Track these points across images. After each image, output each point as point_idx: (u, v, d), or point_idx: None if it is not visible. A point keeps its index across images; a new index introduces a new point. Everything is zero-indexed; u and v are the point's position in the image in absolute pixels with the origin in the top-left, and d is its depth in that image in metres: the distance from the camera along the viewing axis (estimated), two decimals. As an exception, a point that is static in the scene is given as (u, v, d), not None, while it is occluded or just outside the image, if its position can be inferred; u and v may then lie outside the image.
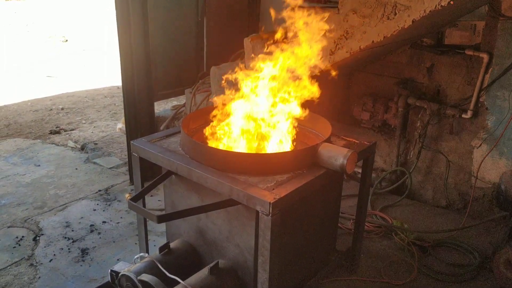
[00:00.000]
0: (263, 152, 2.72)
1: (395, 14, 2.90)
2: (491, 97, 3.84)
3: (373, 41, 3.09)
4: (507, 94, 3.74)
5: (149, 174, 3.99)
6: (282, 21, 2.71)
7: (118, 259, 3.47)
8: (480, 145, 3.97)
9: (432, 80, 4.19)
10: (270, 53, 2.72)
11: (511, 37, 3.62)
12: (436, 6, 2.71)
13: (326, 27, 2.63)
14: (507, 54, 3.67)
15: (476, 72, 3.87)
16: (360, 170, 3.03)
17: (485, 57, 3.75)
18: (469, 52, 3.84)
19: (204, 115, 3.00)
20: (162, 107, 6.57)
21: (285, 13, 2.66)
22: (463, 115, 3.95)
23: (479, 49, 3.82)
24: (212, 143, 2.73)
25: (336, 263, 3.18)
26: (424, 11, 2.77)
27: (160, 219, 2.34)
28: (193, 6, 5.06)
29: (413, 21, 2.85)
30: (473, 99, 3.89)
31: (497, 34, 3.69)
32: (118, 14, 4.21)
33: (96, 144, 5.93)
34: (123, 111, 5.78)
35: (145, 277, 2.41)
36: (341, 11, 3.18)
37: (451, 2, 2.64)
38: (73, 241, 3.73)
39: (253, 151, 2.71)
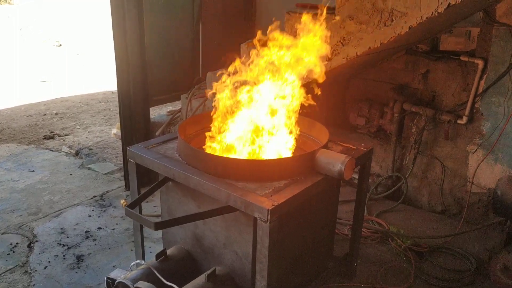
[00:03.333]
0: (261, 158, 2.72)
1: (392, 20, 2.91)
2: (486, 103, 3.87)
3: (369, 47, 3.10)
4: (502, 100, 3.77)
5: (145, 180, 3.98)
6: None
7: (114, 266, 3.44)
8: (476, 150, 3.99)
9: (428, 86, 4.21)
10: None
11: (505, 44, 3.65)
12: (433, 13, 2.73)
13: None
14: (501, 60, 3.70)
15: (471, 78, 3.90)
16: (356, 176, 3.03)
17: (480, 63, 3.78)
18: (464, 58, 3.86)
19: (200, 121, 3.00)
20: (157, 112, 6.56)
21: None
22: (459, 121, 3.97)
23: (474, 55, 3.85)
24: (209, 149, 2.72)
25: (334, 269, 3.18)
26: (421, 18, 2.79)
27: (158, 226, 2.33)
28: (189, 11, 5.06)
29: (410, 28, 2.86)
30: (468, 105, 3.91)
31: (492, 41, 3.71)
32: (114, 19, 4.20)
33: (91, 149, 5.90)
34: (117, 116, 5.76)
35: (142, 284, 2.39)
36: (338, 18, 3.19)
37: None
38: (68, 248, 3.70)
39: (251, 157, 2.70)
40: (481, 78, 3.83)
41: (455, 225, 3.96)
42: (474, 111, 3.94)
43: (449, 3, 2.67)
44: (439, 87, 4.14)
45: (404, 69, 4.31)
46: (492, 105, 3.84)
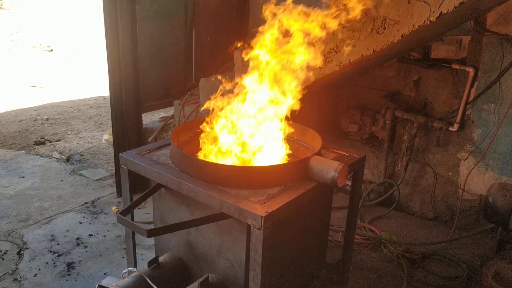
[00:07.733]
0: (254, 164, 2.71)
1: (385, 28, 2.93)
2: (477, 110, 3.90)
3: (362, 55, 3.12)
4: (493, 107, 3.80)
5: (136, 187, 3.94)
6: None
7: (105, 274, 3.41)
8: (467, 157, 4.02)
9: (419, 93, 4.24)
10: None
11: (496, 52, 3.69)
12: (425, 21, 2.75)
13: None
14: (492, 68, 3.74)
15: (462, 85, 3.93)
16: (348, 182, 3.04)
17: (470, 71, 3.82)
18: (455, 66, 3.90)
19: (193, 127, 2.99)
20: (149, 119, 6.53)
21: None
22: (450, 128, 4.00)
23: (465, 63, 3.89)
24: (202, 156, 2.71)
25: (326, 276, 3.17)
26: (413, 26, 2.81)
27: (150, 233, 2.31)
28: (182, 18, 5.06)
29: (402, 36, 2.89)
30: (460, 112, 3.94)
31: (482, 49, 3.76)
32: (106, 24, 4.19)
33: (82, 155, 5.86)
34: (109, 122, 5.73)
35: (134, 292, 2.37)
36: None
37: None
38: (58, 255, 3.66)
39: (244, 164, 2.70)
40: (472, 85, 3.86)
41: (447, 232, 3.97)
42: (465, 118, 3.98)
43: (441, 12, 2.70)
44: (430, 95, 4.17)
45: (396, 76, 4.34)
46: (483, 113, 3.88)
